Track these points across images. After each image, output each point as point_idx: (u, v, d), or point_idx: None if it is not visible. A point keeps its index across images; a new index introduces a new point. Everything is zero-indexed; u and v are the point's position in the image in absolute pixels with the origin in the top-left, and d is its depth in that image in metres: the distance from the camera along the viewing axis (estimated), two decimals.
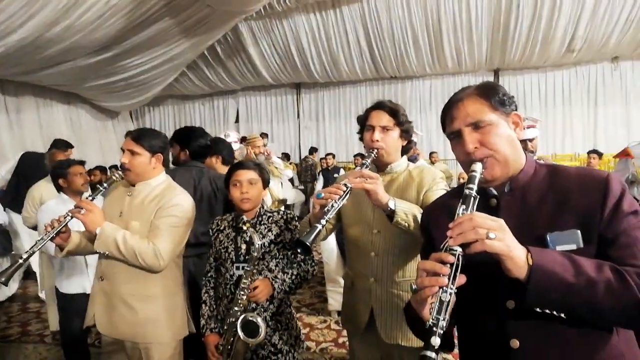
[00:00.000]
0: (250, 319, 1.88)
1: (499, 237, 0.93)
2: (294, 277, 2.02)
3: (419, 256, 1.81)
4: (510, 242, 0.94)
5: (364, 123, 1.91)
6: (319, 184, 8.77)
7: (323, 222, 1.46)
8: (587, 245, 1.02)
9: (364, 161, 1.75)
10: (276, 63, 10.43)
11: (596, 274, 0.94)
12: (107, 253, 1.96)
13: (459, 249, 0.95)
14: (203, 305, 2.16)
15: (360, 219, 1.88)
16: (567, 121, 10.21)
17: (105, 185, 2.02)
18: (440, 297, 0.93)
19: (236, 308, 1.93)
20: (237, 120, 12.41)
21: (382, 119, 1.84)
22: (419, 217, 1.60)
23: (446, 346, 1.16)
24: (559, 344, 1.04)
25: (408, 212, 1.61)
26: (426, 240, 1.33)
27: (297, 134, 12.04)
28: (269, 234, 2.07)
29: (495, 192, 1.15)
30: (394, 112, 1.84)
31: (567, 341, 1.03)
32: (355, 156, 9.41)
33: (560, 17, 8.34)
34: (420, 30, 9.04)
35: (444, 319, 0.91)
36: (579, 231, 1.03)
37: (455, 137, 1.17)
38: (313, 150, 10.89)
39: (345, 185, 1.55)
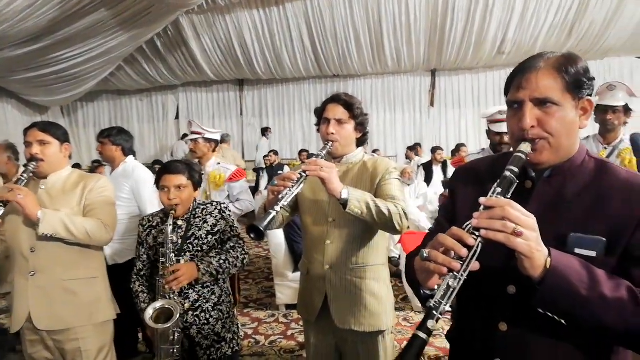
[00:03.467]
0: (167, 307, 1.94)
1: (526, 236, 0.88)
2: (222, 261, 2.06)
3: (371, 243, 1.92)
4: (534, 244, 0.89)
5: (320, 115, 1.97)
6: (264, 181, 8.78)
7: (277, 208, 1.52)
8: (609, 256, 0.97)
9: (319, 152, 1.82)
10: (218, 59, 10.26)
11: (611, 292, 0.90)
12: (51, 235, 1.93)
13: (480, 235, 0.90)
14: (140, 296, 2.16)
15: (316, 207, 1.94)
16: None
17: (25, 176, 1.99)
18: (448, 281, 0.89)
19: (162, 294, 1.98)
20: (177, 117, 12.08)
21: (337, 112, 1.90)
22: (372, 205, 1.69)
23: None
24: (548, 337, 1.01)
25: (361, 199, 1.68)
26: (450, 198, 1.29)
27: (240, 131, 11.92)
28: (205, 225, 2.11)
29: (533, 174, 1.09)
30: (349, 105, 1.91)
31: (556, 336, 1.00)
32: (300, 152, 9.48)
33: (491, 22, 8.85)
34: (362, 30, 9.24)
35: (446, 304, 0.88)
36: (605, 240, 0.97)
37: (515, 106, 1.06)
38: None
39: (300, 173, 1.61)
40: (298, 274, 2.18)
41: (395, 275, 5.25)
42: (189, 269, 1.98)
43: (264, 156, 9.46)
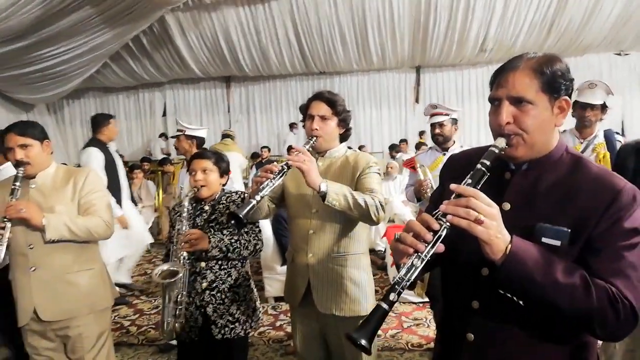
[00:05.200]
0: (173, 268, 2.10)
1: (486, 224, 0.96)
2: (233, 240, 2.17)
3: (352, 233, 2.04)
4: (494, 232, 0.97)
5: (305, 112, 2.08)
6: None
7: (257, 197, 1.64)
8: (571, 245, 1.04)
9: (303, 146, 1.92)
10: (205, 56, 10.31)
11: (564, 278, 0.98)
12: (57, 240, 2.03)
13: (447, 220, 0.99)
14: None
15: (300, 199, 2.05)
16: (481, 115, 11.03)
17: (18, 184, 2.04)
18: (412, 261, 0.98)
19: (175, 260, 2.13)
20: (164, 114, 12.09)
21: (320, 108, 2.01)
22: (350, 197, 1.81)
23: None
24: (515, 317, 1.09)
25: (339, 192, 1.79)
26: (440, 185, 1.36)
27: (227, 127, 11.96)
28: (227, 211, 2.23)
29: (513, 166, 1.16)
30: (332, 102, 2.02)
31: (523, 316, 1.08)
32: (289, 149, 9.57)
33: (473, 20, 9.06)
34: (346, 27, 9.37)
35: (408, 280, 0.97)
36: (569, 231, 1.04)
37: (494, 103, 1.14)
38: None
39: (282, 166, 1.73)
40: (286, 267, 2.31)
41: (380, 267, 5.40)
42: (202, 237, 2.11)
43: (253, 152, 9.56)
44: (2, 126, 2.20)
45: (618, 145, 2.95)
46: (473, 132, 11.08)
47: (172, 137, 3.97)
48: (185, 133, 3.71)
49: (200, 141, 3.80)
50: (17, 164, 2.08)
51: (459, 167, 1.27)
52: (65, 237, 2.05)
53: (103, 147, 4.26)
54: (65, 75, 9.43)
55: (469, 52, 10.05)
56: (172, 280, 2.07)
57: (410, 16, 9.15)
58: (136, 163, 8.19)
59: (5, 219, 1.94)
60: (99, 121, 4.41)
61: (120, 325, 4.07)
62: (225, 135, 6.76)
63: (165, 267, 2.13)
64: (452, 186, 1.02)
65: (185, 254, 2.13)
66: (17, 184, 2.04)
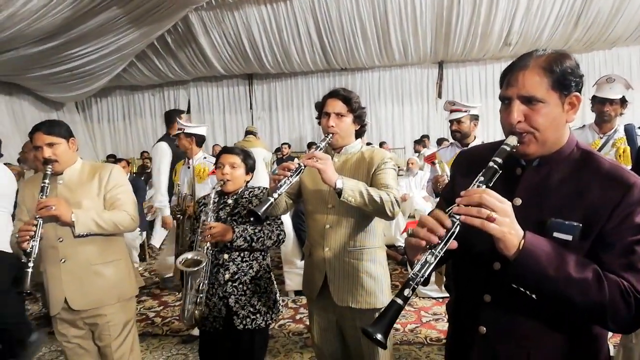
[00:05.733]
0: (197, 257, 2.20)
1: (499, 220, 0.98)
2: (257, 230, 2.25)
3: (368, 227, 2.08)
4: (507, 228, 0.99)
5: (321, 109, 2.12)
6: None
7: (275, 195, 1.70)
8: (583, 240, 1.05)
9: (318, 143, 1.97)
10: (227, 54, 10.43)
11: (576, 273, 0.99)
12: (85, 234, 2.15)
13: (459, 218, 1.00)
14: None
15: (317, 195, 2.10)
16: None
17: (47, 182, 2.14)
18: (426, 257, 1.00)
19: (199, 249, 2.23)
20: (188, 111, 12.28)
21: (336, 106, 2.06)
22: (365, 193, 1.85)
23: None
24: (526, 309, 1.11)
25: (354, 188, 1.84)
26: (450, 180, 1.39)
27: (250, 124, 12.10)
28: (250, 205, 2.31)
29: (523, 162, 1.17)
30: (347, 99, 2.06)
31: (534, 309, 1.10)
32: (309, 145, 9.65)
33: (497, 13, 8.89)
34: (368, 22, 9.33)
35: (422, 276, 0.99)
36: (580, 225, 1.05)
37: (505, 102, 1.15)
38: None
39: (299, 163, 1.78)
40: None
41: (400, 263, 5.42)
42: (224, 228, 2.19)
43: (276, 148, 9.70)
44: (34, 124, 2.30)
45: (639, 140, 2.91)
46: (498, 128, 10.88)
47: (173, 135, 4.06)
48: (185, 131, 3.78)
49: (199, 139, 3.85)
50: (45, 162, 2.18)
51: (469, 163, 1.30)
52: (93, 231, 2.17)
53: (173, 142, 4.28)
54: (93, 74, 9.72)
55: (492, 47, 9.88)
56: (195, 269, 2.16)
57: (433, 10, 9.06)
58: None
59: (37, 217, 2.05)
60: (171, 116, 4.45)
61: (145, 317, 4.21)
62: (248, 132, 6.93)
63: (189, 255, 2.22)
64: (462, 193, 1.04)
65: (208, 244, 2.22)
66: (47, 181, 2.14)
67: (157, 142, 4.47)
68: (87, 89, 10.66)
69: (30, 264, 2.00)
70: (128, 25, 8.01)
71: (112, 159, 9.37)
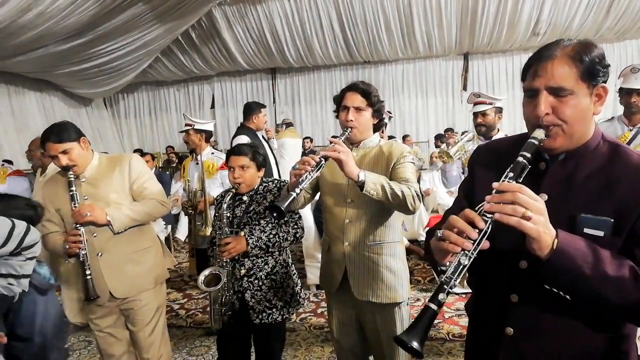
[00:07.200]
0: (215, 272, 2.22)
1: (534, 219, 0.94)
2: (271, 235, 2.25)
3: (387, 222, 2.05)
4: (542, 227, 0.95)
5: (339, 103, 2.09)
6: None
7: (297, 190, 1.68)
8: (615, 236, 1.02)
9: (339, 137, 1.94)
10: (251, 48, 10.45)
11: (613, 272, 0.96)
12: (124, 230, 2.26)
13: (493, 217, 0.96)
14: (211, 260, 2.44)
15: (335, 189, 2.09)
16: None
17: (73, 189, 2.20)
18: (459, 259, 0.96)
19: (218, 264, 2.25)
20: (212, 106, 12.41)
21: (355, 100, 2.03)
22: (387, 187, 1.82)
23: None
24: (556, 309, 1.07)
25: (376, 182, 1.82)
26: (469, 175, 1.35)
27: (273, 118, 12.14)
28: (264, 201, 2.32)
29: (547, 156, 1.13)
30: (367, 93, 2.03)
31: (563, 309, 1.06)
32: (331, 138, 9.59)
33: (525, 2, 8.63)
34: (391, 15, 9.20)
35: (456, 279, 0.95)
36: (612, 221, 1.01)
37: (530, 94, 1.10)
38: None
39: (320, 158, 1.76)
40: None
41: (423, 258, 5.36)
42: (238, 242, 2.21)
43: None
44: (64, 119, 2.37)
45: None
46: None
47: (181, 131, 4.08)
48: (194, 127, 3.81)
49: (208, 134, 3.89)
50: (65, 169, 2.24)
51: (489, 158, 1.27)
52: (129, 226, 2.26)
53: (252, 134, 4.30)
54: (120, 70, 9.88)
55: (520, 37, 9.59)
56: (217, 287, 2.19)
57: (458, 1, 8.87)
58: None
59: (77, 226, 2.14)
60: (252, 109, 4.42)
61: (170, 309, 4.29)
62: (289, 124, 7.52)
63: (207, 272, 2.24)
64: (495, 184, 1.00)
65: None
66: (73, 189, 2.20)
67: (236, 135, 4.36)
68: (114, 85, 10.85)
69: (88, 271, 2.14)
70: (153, 21, 8.10)
71: (139, 152, 9.54)
